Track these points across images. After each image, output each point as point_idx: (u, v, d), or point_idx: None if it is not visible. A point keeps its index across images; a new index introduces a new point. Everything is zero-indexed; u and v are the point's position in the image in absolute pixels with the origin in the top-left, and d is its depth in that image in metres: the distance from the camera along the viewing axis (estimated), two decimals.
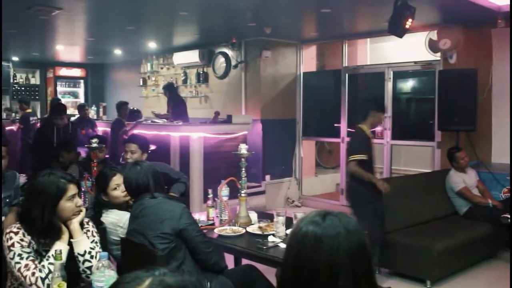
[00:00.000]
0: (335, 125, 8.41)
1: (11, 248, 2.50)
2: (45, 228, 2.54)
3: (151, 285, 1.17)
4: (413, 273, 5.04)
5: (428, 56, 7.28)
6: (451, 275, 5.12)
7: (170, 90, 8.83)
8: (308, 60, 9.07)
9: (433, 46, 6.95)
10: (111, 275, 2.16)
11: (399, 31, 5.57)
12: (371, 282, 1.45)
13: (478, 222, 5.62)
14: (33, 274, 2.41)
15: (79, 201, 2.64)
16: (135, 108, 9.62)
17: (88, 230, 2.75)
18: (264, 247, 3.24)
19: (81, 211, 2.65)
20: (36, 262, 2.49)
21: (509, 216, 5.30)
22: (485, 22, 6.43)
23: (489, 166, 6.47)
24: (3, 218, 3.93)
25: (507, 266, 5.45)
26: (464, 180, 5.98)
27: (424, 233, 5.28)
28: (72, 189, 2.60)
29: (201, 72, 9.65)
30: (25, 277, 2.42)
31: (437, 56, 7.15)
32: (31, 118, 9.70)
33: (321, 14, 6.60)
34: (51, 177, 2.60)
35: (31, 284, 2.40)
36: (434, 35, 6.99)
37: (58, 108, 7.90)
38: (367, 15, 6.90)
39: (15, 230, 2.56)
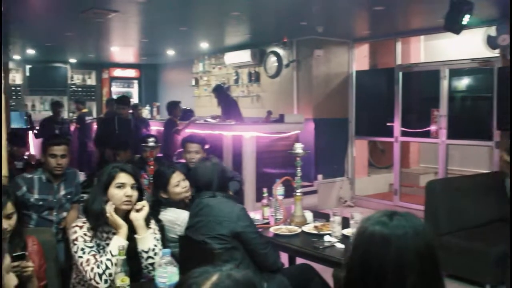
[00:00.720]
0: (388, 124, 8.29)
1: (75, 242, 2.60)
2: (97, 215, 2.63)
3: (220, 278, 1.19)
4: (471, 277, 4.91)
5: (486, 53, 7.08)
6: None
7: (219, 92, 8.90)
8: (360, 58, 8.97)
9: (491, 42, 6.76)
10: (174, 272, 2.20)
11: (456, 27, 5.45)
12: (439, 284, 1.43)
13: None
14: (92, 269, 2.49)
15: (129, 191, 2.67)
16: (188, 108, 9.75)
17: (150, 227, 2.80)
18: (321, 247, 3.23)
19: (129, 202, 2.68)
20: (97, 256, 2.56)
21: None
22: None
23: None
24: (64, 213, 4.08)
25: None
26: None
27: (482, 236, 5.12)
28: (122, 177, 2.67)
29: (253, 72, 9.69)
30: (85, 272, 2.51)
31: (496, 53, 6.94)
32: (86, 118, 9.98)
33: (373, 11, 6.52)
34: (108, 166, 2.75)
35: (90, 279, 2.48)
36: (492, 31, 6.79)
37: (123, 98, 8.08)
38: (421, 12, 6.77)
39: (80, 224, 2.66)
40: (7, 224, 2.50)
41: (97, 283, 2.47)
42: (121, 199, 2.66)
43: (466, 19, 5.35)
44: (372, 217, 1.49)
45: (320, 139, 8.32)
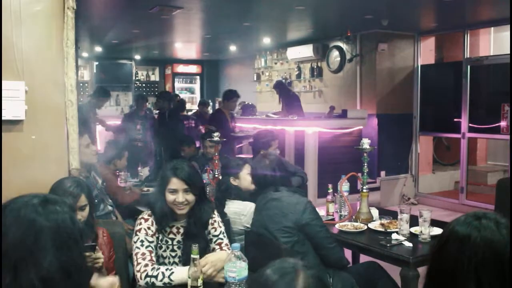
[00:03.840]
0: (455, 120, 8.03)
1: (138, 233, 2.68)
2: (161, 215, 2.70)
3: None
4: None
5: None
6: None
7: (280, 88, 8.87)
8: (426, 52, 8.72)
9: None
10: (243, 267, 2.19)
11: None
12: None
13: None
14: (146, 265, 2.54)
15: (180, 197, 2.69)
16: (250, 103, 9.79)
17: (215, 221, 2.84)
18: (388, 245, 3.16)
19: (181, 207, 2.71)
20: (153, 254, 2.62)
21: None
22: None
23: None
24: None
25: None
26: None
27: None
28: (174, 183, 2.70)
29: (315, 67, 9.61)
30: (138, 264, 2.56)
31: None
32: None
33: (441, 3, 6.31)
34: (166, 166, 2.84)
35: (138, 271, 2.53)
36: None
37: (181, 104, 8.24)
38: (491, 2, 6.51)
39: (145, 216, 2.74)
40: (81, 216, 2.58)
41: (141, 279, 2.51)
42: (173, 203, 2.70)
43: None
44: (460, 218, 1.42)
45: (383, 135, 8.16)
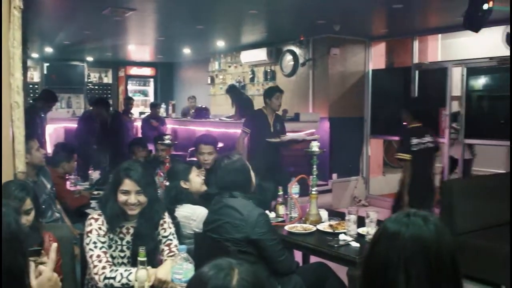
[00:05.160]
0: (404, 123, 8.20)
1: (89, 234, 2.65)
2: (111, 216, 2.69)
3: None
4: (488, 277, 4.85)
5: (505, 51, 7.00)
6: None
7: (233, 91, 8.89)
8: (377, 57, 8.92)
9: (510, 40, 6.67)
10: (189, 268, 2.20)
11: (475, 25, 5.38)
12: (457, 285, 1.41)
13: None
14: (103, 268, 2.53)
15: (132, 198, 2.68)
16: (204, 106, 9.78)
17: (165, 222, 2.84)
18: (335, 245, 3.22)
19: (133, 208, 2.71)
20: (108, 255, 2.61)
21: None
22: None
23: None
24: None
25: None
26: None
27: (499, 236, 5.05)
28: (126, 184, 2.69)
29: (269, 70, 9.69)
30: (94, 266, 2.55)
31: None
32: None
33: (391, 9, 6.47)
34: (118, 168, 2.81)
35: (96, 273, 2.52)
36: None
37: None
38: (440, 9, 6.72)
39: (96, 216, 2.71)
40: (26, 220, 2.53)
41: (99, 281, 2.50)
42: (124, 204, 2.70)
43: (485, 17, 5.28)
44: (392, 216, 1.49)
45: (335, 138, 8.29)
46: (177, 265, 2.22)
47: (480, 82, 7.74)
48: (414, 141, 5.29)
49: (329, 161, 8.20)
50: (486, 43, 7.84)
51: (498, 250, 4.77)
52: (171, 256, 2.71)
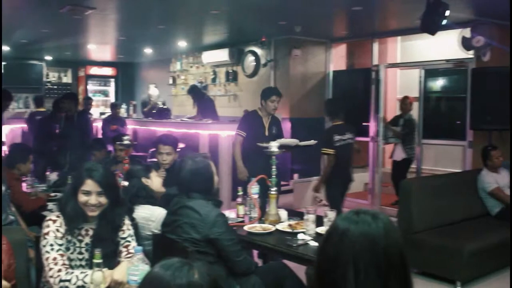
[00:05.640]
0: (364, 124, 8.33)
1: (46, 236, 2.61)
2: (71, 217, 2.65)
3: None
4: (442, 274, 4.97)
5: (461, 54, 7.17)
6: (482, 276, 5.04)
7: (194, 92, 8.86)
8: (337, 58, 9.03)
9: (466, 43, 6.85)
10: (145, 269, 2.19)
11: (431, 28, 5.50)
12: (406, 281, 1.44)
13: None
14: (59, 271, 2.49)
15: (93, 199, 2.65)
16: (165, 107, 9.71)
17: (124, 223, 2.82)
18: (294, 245, 3.24)
19: (94, 209, 2.67)
20: (65, 258, 2.57)
21: None
22: None
23: None
24: None
25: None
26: (496, 180, 5.88)
27: (455, 234, 5.20)
28: (88, 185, 2.66)
29: (231, 71, 9.69)
30: (50, 269, 2.51)
31: (470, 54, 7.04)
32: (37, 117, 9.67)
33: (352, 12, 6.57)
34: (80, 168, 2.76)
35: (51, 276, 2.49)
36: (467, 32, 6.89)
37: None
38: (398, 12, 6.85)
39: (54, 218, 2.66)
40: None
41: (55, 284, 2.47)
42: (85, 204, 2.66)
43: (441, 20, 5.41)
44: (342, 214, 1.52)
45: (296, 139, 8.31)
46: (133, 266, 2.20)
47: (438, 83, 7.93)
48: (336, 137, 5.79)
49: (290, 161, 8.25)
50: (443, 46, 8.01)
51: (454, 247, 4.89)
52: (129, 257, 2.68)
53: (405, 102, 7.65)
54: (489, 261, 5.08)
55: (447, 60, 7.52)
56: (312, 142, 5.21)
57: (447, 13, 5.35)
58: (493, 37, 6.62)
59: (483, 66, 6.79)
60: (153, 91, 10.82)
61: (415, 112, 7.83)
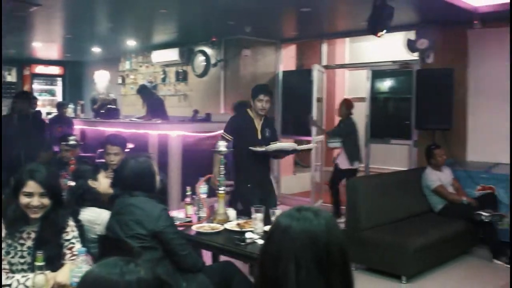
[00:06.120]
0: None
1: None
2: (12, 220, 2.58)
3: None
4: (388, 269, 5.10)
5: (406, 55, 7.36)
6: (427, 271, 5.20)
7: (144, 92, 8.77)
8: (287, 58, 9.10)
9: (411, 45, 7.03)
10: None
11: (377, 30, 5.62)
12: (347, 278, 1.47)
13: (453, 219, 5.72)
14: None
15: (35, 201, 2.60)
16: (113, 107, 9.56)
17: (68, 225, 2.76)
18: (242, 244, 3.26)
19: (36, 211, 2.61)
20: (5, 262, 2.51)
21: (482, 213, 5.45)
22: (461, 23, 6.54)
23: (464, 164, 6.58)
24: None
25: (481, 262, 5.59)
26: (440, 178, 6.08)
27: (400, 230, 5.34)
28: (30, 186, 2.60)
29: (180, 71, 9.63)
30: None
31: (415, 56, 7.24)
32: None
33: (301, 13, 6.63)
34: (21, 170, 2.69)
35: None
36: (412, 35, 7.08)
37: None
38: (346, 14, 6.96)
39: None
40: None
41: None
42: (26, 206, 2.60)
43: (387, 23, 5.53)
44: (285, 211, 1.54)
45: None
46: (77, 268, 2.17)
47: (385, 84, 8.11)
48: None
49: None
50: (390, 48, 8.21)
51: (399, 244, 5.02)
52: (73, 259, 2.64)
53: (341, 107, 7.45)
54: (432, 256, 5.25)
55: (393, 62, 7.71)
56: (311, 145, 4.95)
57: (393, 16, 5.49)
58: (436, 39, 6.83)
59: (427, 67, 6.99)
60: (99, 84, 10.57)
61: (363, 112, 7.99)
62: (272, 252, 1.46)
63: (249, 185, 4.72)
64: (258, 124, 4.95)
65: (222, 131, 4.99)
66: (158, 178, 3.24)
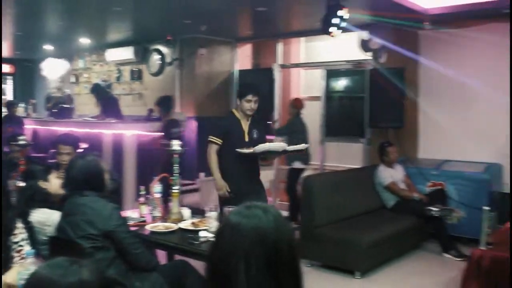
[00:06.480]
0: (268, 122, 8.46)
1: None
2: None
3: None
4: (343, 265, 5.18)
5: (360, 55, 7.48)
6: (379, 265, 5.32)
7: (97, 91, 8.64)
8: (243, 58, 9.12)
9: (364, 45, 7.16)
10: None
11: (331, 30, 5.70)
12: (295, 274, 1.49)
13: (405, 215, 5.87)
14: None
15: None
16: (67, 106, 9.38)
17: (16, 227, 2.69)
18: (196, 242, 3.26)
19: None
20: None
21: (432, 209, 5.62)
22: (413, 24, 6.69)
23: (415, 162, 6.75)
24: None
25: (431, 256, 5.76)
26: (392, 175, 6.21)
27: (353, 227, 5.44)
28: None
29: (135, 69, 9.53)
30: None
31: (369, 56, 7.36)
32: None
33: (256, 12, 6.66)
34: None
35: None
36: (365, 35, 7.20)
37: None
38: (301, 14, 7.02)
39: None
40: None
41: None
42: None
43: (340, 23, 5.62)
44: (235, 209, 1.54)
45: (202, 137, 8.30)
46: (25, 270, 2.13)
47: (340, 83, 8.21)
48: (175, 130, 6.59)
49: (197, 160, 8.23)
50: (344, 47, 8.32)
51: (353, 240, 5.11)
52: (21, 262, 2.58)
53: (289, 106, 7.47)
54: (385, 251, 5.37)
55: (347, 61, 7.82)
56: (303, 146, 4.64)
57: (346, 16, 5.58)
58: (389, 39, 6.97)
59: (380, 67, 7.12)
60: (50, 76, 10.31)
61: (318, 111, 8.07)
62: (222, 250, 1.46)
63: (234, 194, 4.57)
64: (245, 125, 4.73)
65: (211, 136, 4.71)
66: (107, 176, 3.20)
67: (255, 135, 4.72)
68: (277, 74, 8.13)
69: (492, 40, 6.42)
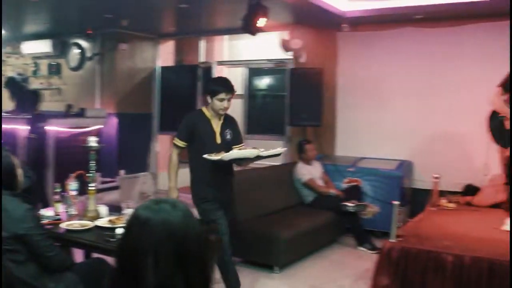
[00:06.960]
0: None
1: None
2: None
3: None
4: (263, 260, 5.29)
5: (282, 54, 7.63)
6: (298, 259, 5.49)
7: (11, 85, 8.29)
8: (165, 54, 9.04)
9: (285, 45, 7.31)
10: None
11: (252, 29, 5.79)
12: (203, 271, 1.52)
13: (322, 210, 6.06)
14: None
15: None
16: None
17: None
18: (112, 240, 3.23)
19: None
20: None
21: (348, 204, 5.84)
22: (331, 25, 6.91)
23: (333, 159, 6.98)
24: None
25: (347, 249, 6.00)
26: (310, 172, 6.40)
27: (273, 222, 5.55)
28: None
29: (53, 63, 9.22)
30: None
31: (289, 55, 7.52)
32: None
33: (179, 9, 6.63)
34: None
35: None
36: (286, 35, 7.35)
37: None
38: (223, 12, 7.06)
39: None
40: None
41: None
42: None
43: (261, 22, 5.71)
44: (143, 203, 1.56)
45: (123, 134, 8.21)
46: None
47: (262, 82, 8.35)
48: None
49: (117, 158, 8.11)
50: (266, 47, 8.44)
51: (272, 235, 5.23)
52: None
53: None
54: (303, 245, 5.55)
55: (269, 60, 7.95)
56: (279, 150, 4.15)
57: (267, 16, 5.68)
58: (309, 40, 7.16)
59: (300, 67, 7.30)
60: None
61: (240, 109, 8.16)
62: (130, 245, 1.47)
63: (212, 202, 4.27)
64: (216, 125, 4.25)
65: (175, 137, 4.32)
66: (20, 173, 3.08)
67: (228, 136, 4.29)
68: (216, 72, 8.12)
69: (406, 43, 6.77)
